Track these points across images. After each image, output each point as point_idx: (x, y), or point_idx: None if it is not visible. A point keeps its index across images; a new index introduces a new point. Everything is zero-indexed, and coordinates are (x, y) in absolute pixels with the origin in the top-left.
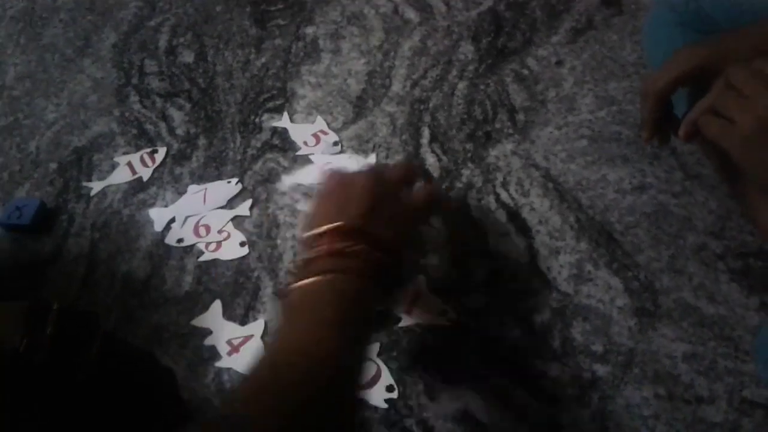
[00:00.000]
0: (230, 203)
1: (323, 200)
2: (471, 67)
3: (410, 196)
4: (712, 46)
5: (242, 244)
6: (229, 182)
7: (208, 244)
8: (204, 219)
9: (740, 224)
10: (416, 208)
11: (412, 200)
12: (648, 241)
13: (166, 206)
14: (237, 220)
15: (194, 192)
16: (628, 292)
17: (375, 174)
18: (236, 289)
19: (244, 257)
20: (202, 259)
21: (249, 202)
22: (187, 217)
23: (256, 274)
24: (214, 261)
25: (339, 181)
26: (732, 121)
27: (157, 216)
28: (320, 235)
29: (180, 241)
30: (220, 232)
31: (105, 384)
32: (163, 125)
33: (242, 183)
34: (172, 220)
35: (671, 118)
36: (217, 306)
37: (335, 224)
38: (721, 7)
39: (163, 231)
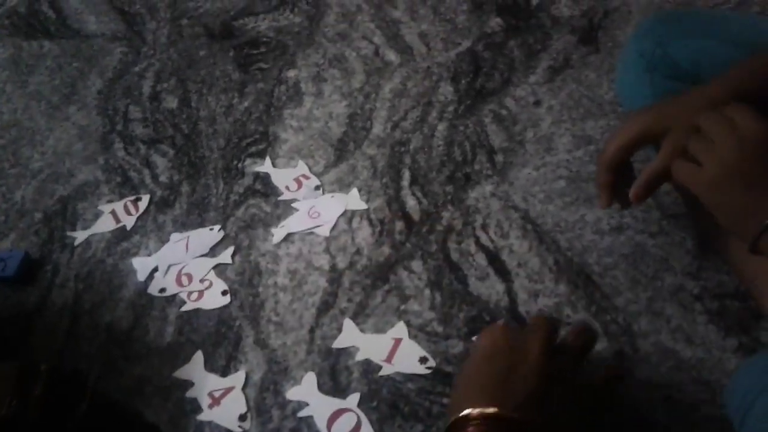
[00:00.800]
0: (212, 251)
1: (482, 365)
2: (450, 108)
3: (587, 374)
4: (654, 113)
5: (224, 293)
6: (211, 229)
7: (190, 294)
8: (186, 268)
9: (717, 264)
10: (597, 389)
11: (591, 379)
12: (626, 282)
13: (149, 255)
14: (219, 268)
15: (176, 240)
16: (606, 336)
17: (550, 340)
18: (218, 339)
19: (225, 306)
20: (184, 308)
21: (231, 249)
22: (169, 266)
23: (237, 323)
24: (196, 311)
25: (506, 343)
26: (699, 164)
27: (140, 265)
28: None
29: (162, 290)
30: (202, 280)
31: None
32: (146, 172)
33: (224, 230)
34: (155, 269)
35: (631, 180)
36: (198, 357)
37: (489, 410)
38: (686, 53)
39: (146, 280)
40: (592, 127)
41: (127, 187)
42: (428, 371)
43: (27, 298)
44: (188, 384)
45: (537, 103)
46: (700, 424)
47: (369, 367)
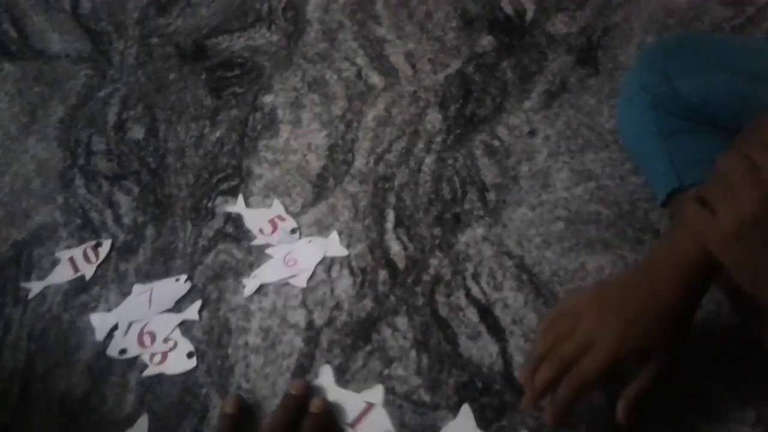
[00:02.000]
0: (178, 305)
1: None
2: (439, 139)
3: None
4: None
5: (189, 355)
6: (177, 280)
7: (152, 356)
8: (149, 325)
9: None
10: None
11: None
12: None
13: (108, 310)
14: (185, 325)
15: (139, 293)
16: (610, 405)
17: None
18: (182, 410)
19: (191, 371)
20: (145, 373)
21: (198, 303)
22: (131, 323)
23: (204, 391)
24: (159, 376)
25: None
26: (714, 213)
27: (99, 322)
28: None
29: (123, 351)
30: (166, 340)
31: None
32: (108, 213)
33: (192, 280)
34: (115, 326)
35: None
36: (143, 422)
37: None
38: (694, 89)
39: (104, 340)
40: (592, 160)
41: (87, 230)
42: None
43: None
44: None
45: (532, 132)
46: None
47: None
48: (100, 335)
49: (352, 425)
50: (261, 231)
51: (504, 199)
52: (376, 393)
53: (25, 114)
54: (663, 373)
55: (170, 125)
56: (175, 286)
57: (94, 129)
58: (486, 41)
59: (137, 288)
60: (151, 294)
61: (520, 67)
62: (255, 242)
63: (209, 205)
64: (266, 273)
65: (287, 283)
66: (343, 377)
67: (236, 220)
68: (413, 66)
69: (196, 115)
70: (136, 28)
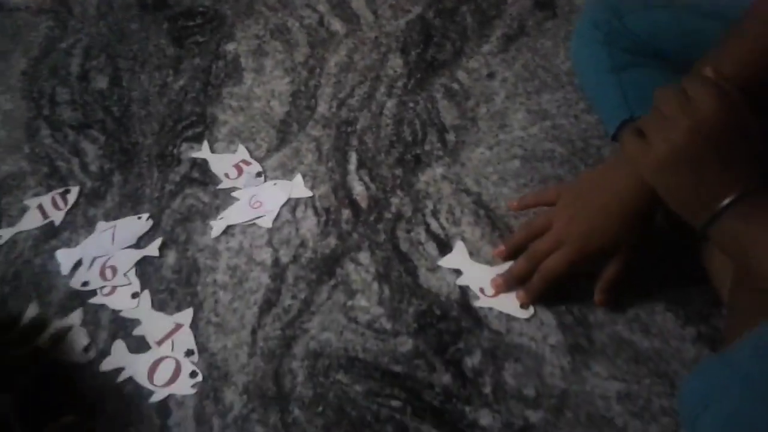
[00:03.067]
0: (140, 241)
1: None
2: (400, 83)
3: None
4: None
5: (134, 296)
6: (139, 218)
7: (102, 287)
8: (111, 260)
9: None
10: None
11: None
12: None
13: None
14: (154, 265)
15: (102, 230)
16: (561, 327)
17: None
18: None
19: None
20: (91, 300)
21: (159, 240)
22: (94, 258)
23: None
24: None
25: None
26: (648, 143)
27: (64, 258)
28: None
29: (85, 284)
30: (125, 275)
31: None
32: (75, 161)
33: (160, 224)
34: (79, 262)
35: None
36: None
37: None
38: (644, 25)
39: (69, 274)
40: (548, 101)
41: (54, 178)
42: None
43: None
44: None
45: (490, 75)
46: (658, 417)
47: (314, 369)
48: (65, 270)
49: (158, 343)
50: (227, 175)
51: (463, 139)
52: (186, 315)
53: None
54: (629, 266)
55: (133, 75)
56: (138, 223)
57: (57, 80)
58: None
59: (101, 225)
60: (114, 231)
61: (480, 12)
62: (221, 186)
63: (175, 151)
64: (233, 215)
65: (253, 224)
66: (308, 310)
67: (202, 165)
68: (374, 12)
69: (159, 64)
70: None
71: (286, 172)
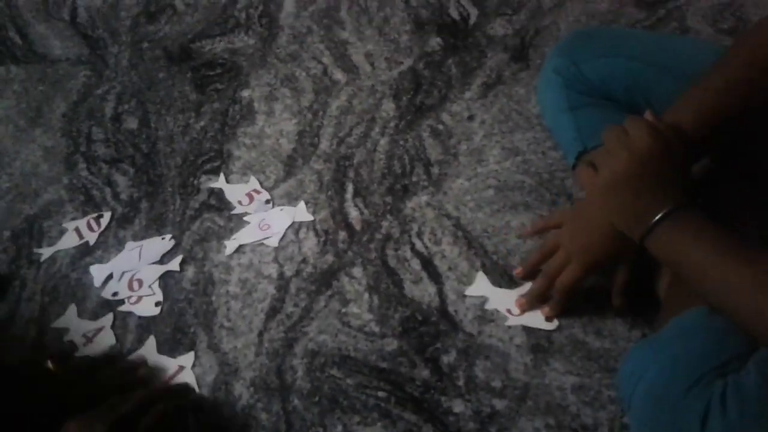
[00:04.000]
0: (163, 258)
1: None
2: (392, 124)
3: None
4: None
5: (157, 304)
6: (162, 238)
7: (130, 297)
8: (138, 274)
9: None
10: None
11: None
12: None
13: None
14: (175, 278)
15: (131, 249)
16: (525, 330)
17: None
18: (174, 345)
19: (182, 315)
20: (119, 308)
21: (180, 257)
22: (123, 273)
23: (192, 329)
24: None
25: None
26: (597, 172)
27: (97, 272)
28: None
29: (115, 294)
30: (149, 286)
31: None
32: (108, 190)
33: (181, 243)
34: (110, 276)
35: None
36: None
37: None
38: (596, 71)
39: (101, 286)
40: (520, 139)
41: (90, 205)
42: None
43: None
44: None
45: (471, 117)
46: (606, 405)
47: (312, 366)
48: (98, 282)
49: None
50: (239, 202)
51: (445, 172)
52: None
53: (31, 109)
54: (633, 269)
55: (160, 117)
56: (162, 243)
57: (93, 121)
58: (435, 42)
59: (129, 245)
60: (141, 249)
61: (463, 64)
62: (234, 211)
63: (195, 182)
64: (244, 236)
65: (262, 244)
66: (308, 316)
67: (218, 194)
68: (372, 64)
69: (182, 107)
70: (128, 34)
71: (291, 200)
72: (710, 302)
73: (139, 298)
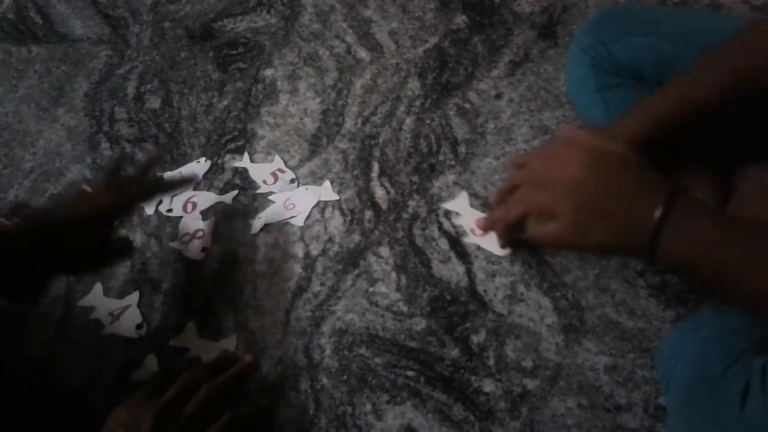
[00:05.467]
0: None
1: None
2: (418, 103)
3: None
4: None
5: (203, 250)
6: (198, 162)
7: (183, 235)
8: (193, 198)
9: None
10: None
11: None
12: (575, 262)
13: (135, 248)
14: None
15: (170, 176)
16: (556, 310)
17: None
18: (200, 324)
19: (208, 290)
20: (171, 244)
21: (235, 192)
22: (172, 197)
23: (218, 308)
24: (180, 297)
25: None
26: (549, 222)
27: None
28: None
29: (169, 210)
30: (196, 231)
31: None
32: (131, 170)
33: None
34: (160, 202)
35: None
36: (191, 327)
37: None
38: (626, 51)
39: (155, 212)
40: (549, 118)
41: None
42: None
43: None
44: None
45: (498, 96)
46: (640, 386)
47: (340, 344)
48: (149, 211)
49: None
50: (264, 182)
51: (473, 151)
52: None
53: (53, 89)
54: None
55: (183, 96)
56: (198, 165)
57: (115, 101)
58: (460, 20)
59: (168, 174)
60: (180, 174)
61: (489, 42)
62: (259, 191)
63: (219, 161)
64: (269, 215)
65: (287, 223)
66: (335, 295)
67: (243, 173)
68: (396, 42)
69: (205, 87)
70: (149, 14)
71: (316, 179)
72: (752, 292)
73: (191, 238)
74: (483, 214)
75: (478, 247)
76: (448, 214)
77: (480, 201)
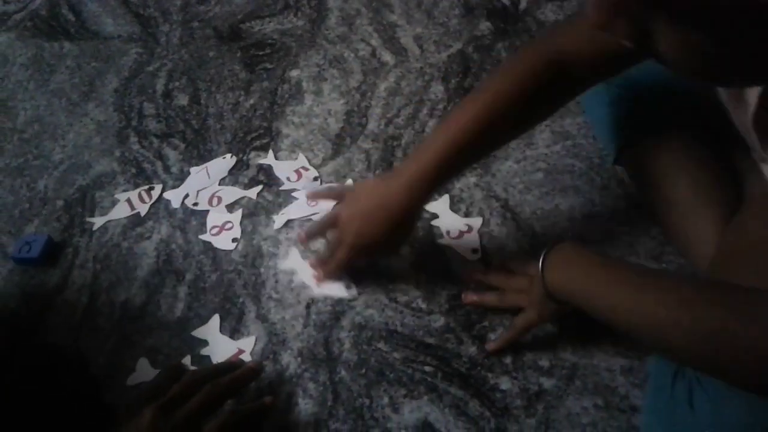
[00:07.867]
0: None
1: None
2: (441, 106)
3: None
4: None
5: (234, 240)
6: (224, 158)
7: (213, 227)
8: (218, 192)
9: (676, 249)
10: None
11: None
12: None
13: (160, 240)
14: (225, 251)
15: (197, 171)
16: (574, 312)
17: None
18: (223, 314)
19: (230, 285)
20: (201, 236)
21: (259, 187)
22: (198, 191)
23: (241, 300)
24: (204, 288)
25: None
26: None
27: (173, 196)
28: None
29: (195, 204)
30: (225, 223)
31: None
32: (159, 164)
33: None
34: (186, 195)
35: None
36: (215, 320)
37: None
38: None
39: (180, 206)
40: (570, 124)
41: (141, 177)
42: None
43: (49, 279)
44: (203, 343)
45: None
46: None
47: (359, 339)
48: (176, 204)
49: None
50: (288, 179)
51: (494, 154)
52: (249, 341)
53: (84, 84)
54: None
55: (210, 94)
56: (224, 161)
57: (144, 97)
58: (484, 26)
59: (194, 169)
60: (207, 170)
61: (513, 48)
62: (283, 187)
63: (244, 158)
64: (292, 211)
65: (310, 219)
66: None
67: (267, 170)
68: (420, 47)
69: (232, 86)
70: (179, 13)
71: (339, 178)
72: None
73: (220, 229)
74: (459, 217)
75: (498, 248)
76: (468, 215)
77: (500, 203)
